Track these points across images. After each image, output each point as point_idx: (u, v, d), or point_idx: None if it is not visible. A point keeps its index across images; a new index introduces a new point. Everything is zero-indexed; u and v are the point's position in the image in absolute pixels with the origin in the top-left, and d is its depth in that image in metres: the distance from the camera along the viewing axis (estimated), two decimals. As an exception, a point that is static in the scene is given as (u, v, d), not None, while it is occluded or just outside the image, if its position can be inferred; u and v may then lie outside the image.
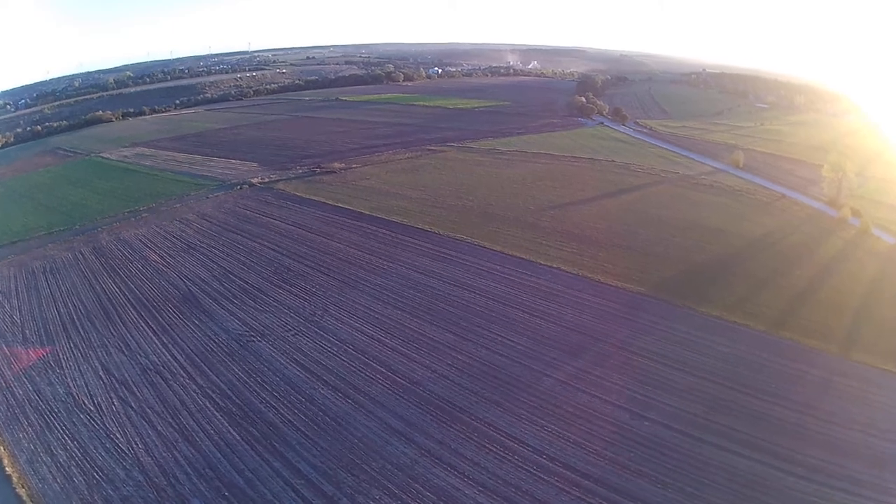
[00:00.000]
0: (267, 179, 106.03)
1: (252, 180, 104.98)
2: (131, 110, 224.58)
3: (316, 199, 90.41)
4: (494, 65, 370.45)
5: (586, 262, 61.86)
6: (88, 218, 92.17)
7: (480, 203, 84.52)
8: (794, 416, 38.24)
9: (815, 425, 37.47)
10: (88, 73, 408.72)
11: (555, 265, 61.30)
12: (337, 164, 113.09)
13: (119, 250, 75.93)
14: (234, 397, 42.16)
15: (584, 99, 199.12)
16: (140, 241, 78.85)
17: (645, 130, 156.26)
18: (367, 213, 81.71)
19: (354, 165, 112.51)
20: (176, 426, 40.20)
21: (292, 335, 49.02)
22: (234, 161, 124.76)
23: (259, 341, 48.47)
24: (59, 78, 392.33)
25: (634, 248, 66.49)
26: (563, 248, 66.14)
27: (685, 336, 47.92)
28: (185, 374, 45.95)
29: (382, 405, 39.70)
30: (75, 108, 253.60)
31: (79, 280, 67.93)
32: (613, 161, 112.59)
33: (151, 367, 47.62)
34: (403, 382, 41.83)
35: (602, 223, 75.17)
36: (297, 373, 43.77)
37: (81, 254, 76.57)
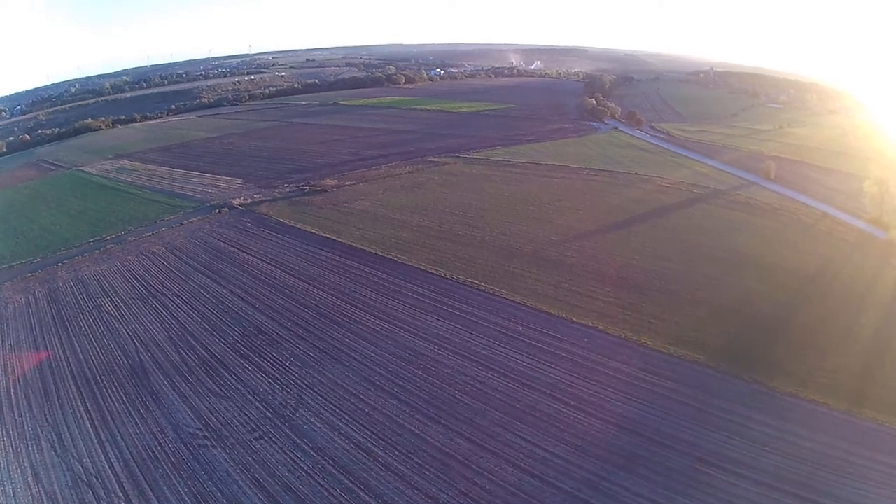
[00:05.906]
0: (250, 200, 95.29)
1: (233, 201, 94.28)
2: (122, 117, 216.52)
3: (301, 227, 79.35)
4: (497, 65, 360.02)
5: (628, 318, 50.06)
6: (53, 247, 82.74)
7: (493, 231, 73.10)
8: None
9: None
10: (87, 78, 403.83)
11: (590, 323, 49.44)
12: (329, 181, 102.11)
13: (73, 296, 65.51)
14: (174, 539, 31.36)
15: (594, 101, 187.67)
16: (98, 281, 68.48)
17: (662, 135, 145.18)
18: (360, 246, 70.35)
19: (348, 182, 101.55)
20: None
21: (256, 439, 37.47)
22: (217, 176, 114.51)
23: (214, 447, 36.98)
24: (57, 83, 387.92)
25: (681, 293, 54.99)
26: (598, 297, 54.39)
27: (761, 430, 36.86)
28: (120, 493, 35.15)
29: (372, 569, 28.54)
30: (69, 115, 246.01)
31: (24, 337, 57.92)
32: (637, 174, 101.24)
33: (83, 477, 37.11)
34: (401, 526, 30.56)
35: (637, 257, 63.77)
36: (259, 506, 32.51)
37: (34, 297, 66.72)
